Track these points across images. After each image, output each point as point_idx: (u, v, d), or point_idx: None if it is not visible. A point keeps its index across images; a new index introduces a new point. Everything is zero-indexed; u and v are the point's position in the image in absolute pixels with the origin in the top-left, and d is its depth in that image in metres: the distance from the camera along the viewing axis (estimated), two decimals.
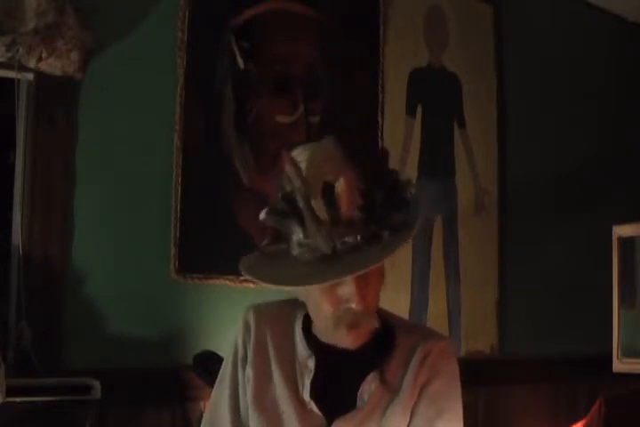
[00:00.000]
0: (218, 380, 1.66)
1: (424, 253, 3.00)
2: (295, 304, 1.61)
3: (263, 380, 1.57)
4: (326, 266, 1.41)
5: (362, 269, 1.39)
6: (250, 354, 1.59)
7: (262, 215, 1.45)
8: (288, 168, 1.46)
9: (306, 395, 1.53)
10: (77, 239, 2.23)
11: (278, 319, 1.62)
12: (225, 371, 1.64)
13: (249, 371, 1.58)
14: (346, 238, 1.41)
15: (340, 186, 1.41)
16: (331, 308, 1.47)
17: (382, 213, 1.44)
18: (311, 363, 1.54)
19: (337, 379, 1.54)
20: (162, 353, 2.34)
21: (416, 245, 2.98)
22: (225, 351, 1.80)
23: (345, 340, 1.51)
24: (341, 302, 1.46)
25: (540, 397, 3.27)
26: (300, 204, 1.42)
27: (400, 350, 1.56)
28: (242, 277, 2.37)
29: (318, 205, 1.41)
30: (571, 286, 3.48)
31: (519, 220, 3.35)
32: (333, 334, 1.52)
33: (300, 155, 1.49)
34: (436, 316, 3.01)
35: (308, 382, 1.54)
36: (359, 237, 1.41)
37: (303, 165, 1.46)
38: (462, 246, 3.13)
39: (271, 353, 1.58)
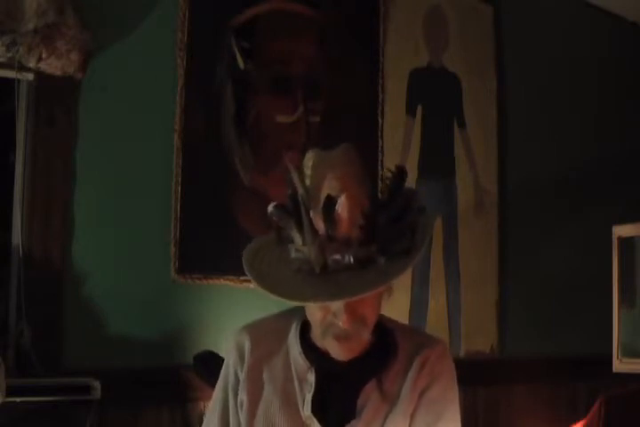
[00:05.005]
0: (210, 405, 1.63)
1: (424, 253, 2.99)
2: (291, 314, 1.58)
3: (257, 404, 1.52)
4: (319, 282, 1.37)
5: (354, 296, 1.34)
6: (242, 380, 1.54)
7: (270, 208, 1.43)
8: (292, 174, 1.43)
9: (307, 410, 1.49)
10: (77, 239, 2.23)
11: (274, 335, 1.57)
12: (217, 397, 1.60)
13: (242, 397, 1.54)
14: (338, 256, 1.36)
15: (342, 202, 1.36)
16: (321, 316, 1.45)
17: (385, 237, 1.38)
18: (311, 377, 1.50)
19: (337, 389, 1.51)
20: (162, 353, 2.34)
21: None
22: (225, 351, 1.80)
23: (335, 351, 1.48)
24: (330, 313, 1.43)
25: (540, 397, 3.27)
26: (302, 210, 1.39)
27: (400, 356, 1.54)
28: (242, 278, 2.37)
29: (316, 217, 1.38)
30: (571, 286, 3.48)
31: (519, 220, 3.35)
32: (322, 343, 1.49)
33: (309, 160, 1.46)
34: (436, 316, 3.01)
35: (309, 397, 1.49)
36: (351, 258, 1.36)
37: (308, 172, 1.44)
38: (462, 246, 3.13)
39: (265, 375, 1.54)
